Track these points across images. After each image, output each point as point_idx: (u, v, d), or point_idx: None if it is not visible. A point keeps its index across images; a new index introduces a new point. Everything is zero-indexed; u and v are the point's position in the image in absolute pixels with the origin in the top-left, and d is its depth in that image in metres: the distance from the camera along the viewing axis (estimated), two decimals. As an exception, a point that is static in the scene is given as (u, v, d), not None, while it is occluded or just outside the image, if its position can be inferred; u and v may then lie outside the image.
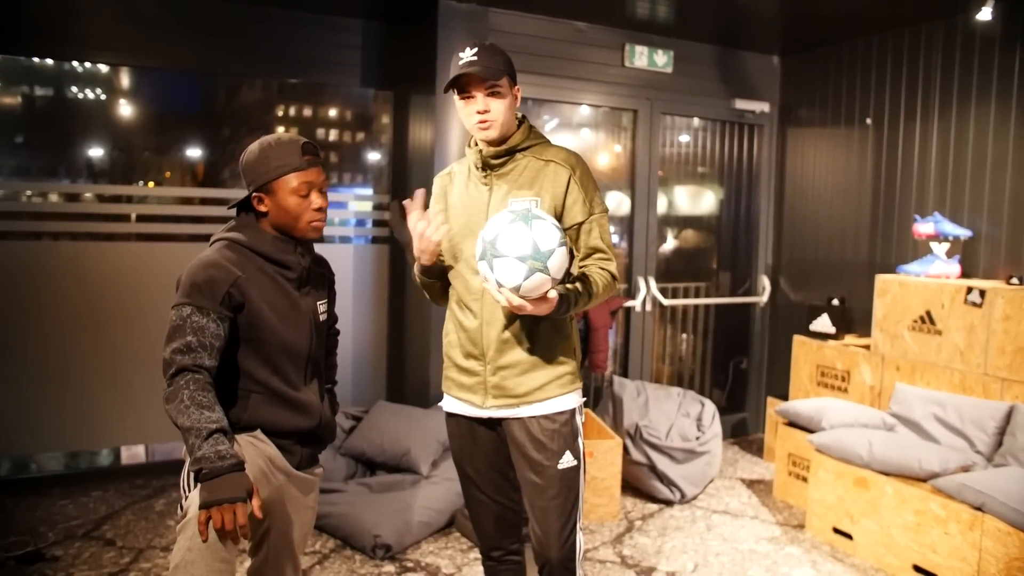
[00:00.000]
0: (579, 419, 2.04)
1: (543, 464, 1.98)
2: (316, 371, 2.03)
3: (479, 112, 1.93)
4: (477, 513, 2.15)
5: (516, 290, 1.77)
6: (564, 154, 2.01)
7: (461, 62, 1.92)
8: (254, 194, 1.90)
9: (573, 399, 2.02)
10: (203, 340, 1.75)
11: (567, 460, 1.99)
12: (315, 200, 1.91)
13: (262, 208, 1.91)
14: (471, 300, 2.01)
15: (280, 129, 4.60)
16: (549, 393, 1.98)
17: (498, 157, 1.98)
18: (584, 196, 1.97)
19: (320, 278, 2.07)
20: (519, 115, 2.05)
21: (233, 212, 1.99)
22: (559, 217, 1.95)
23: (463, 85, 1.93)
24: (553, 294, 1.82)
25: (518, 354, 1.97)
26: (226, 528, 1.64)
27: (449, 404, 2.12)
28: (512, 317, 1.95)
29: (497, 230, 1.78)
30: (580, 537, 2.06)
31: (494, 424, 2.05)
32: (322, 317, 2.04)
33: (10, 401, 3.72)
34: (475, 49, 1.92)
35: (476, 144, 2.03)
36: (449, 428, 2.14)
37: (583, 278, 1.95)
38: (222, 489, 1.64)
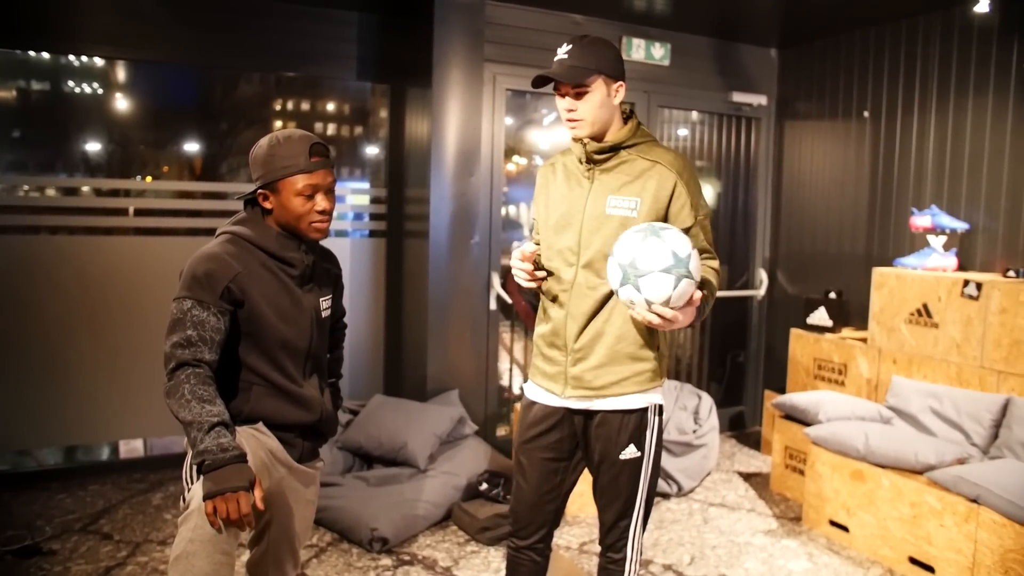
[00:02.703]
0: (653, 417, 2.02)
1: (605, 453, 2.00)
2: (317, 367, 2.03)
3: (567, 110, 1.94)
4: (517, 498, 2.16)
5: (667, 303, 1.76)
6: (671, 156, 1.96)
7: (555, 59, 1.93)
8: (260, 190, 1.90)
9: (650, 398, 2.00)
10: (203, 334, 1.76)
11: (630, 452, 1.99)
12: (320, 202, 1.90)
13: (267, 205, 1.91)
14: (560, 291, 2.02)
15: (278, 123, 4.59)
16: (626, 389, 1.97)
17: (601, 153, 1.97)
18: (691, 202, 1.94)
19: (326, 274, 2.07)
20: (626, 110, 2.02)
21: (240, 204, 2.00)
22: (663, 220, 1.93)
23: (555, 81, 1.94)
24: (698, 295, 1.83)
25: (598, 347, 1.97)
26: (231, 517, 1.65)
27: (531, 391, 2.12)
28: (596, 310, 1.96)
29: (632, 251, 1.75)
30: (638, 534, 2.05)
31: (570, 414, 2.05)
32: (325, 313, 2.03)
33: (8, 395, 3.73)
34: (570, 47, 1.91)
35: (579, 139, 2.01)
36: (523, 413, 2.14)
37: (705, 281, 1.92)
38: (225, 480, 1.66)
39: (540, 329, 2.10)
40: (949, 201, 3.93)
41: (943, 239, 3.77)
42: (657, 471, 2.07)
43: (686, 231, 1.91)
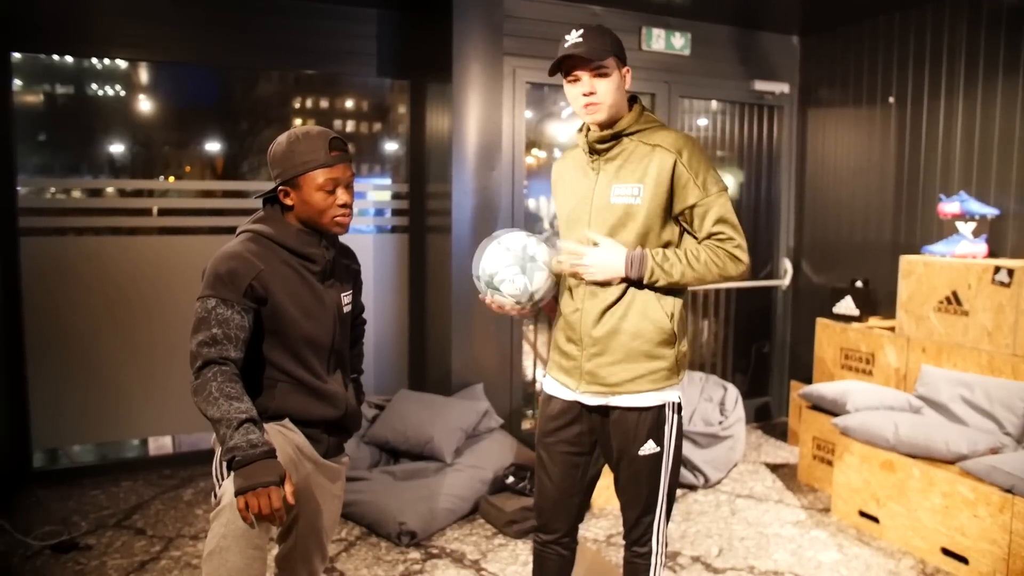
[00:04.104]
0: (671, 413, 1.99)
1: (623, 450, 1.99)
2: (340, 362, 2.04)
3: (585, 94, 1.90)
4: (540, 494, 2.16)
5: (531, 296, 1.98)
6: (672, 137, 1.92)
7: (567, 44, 1.89)
8: (280, 187, 1.90)
9: (665, 395, 1.97)
10: (228, 332, 1.77)
11: (649, 447, 1.97)
12: (341, 196, 1.91)
13: (288, 202, 1.91)
14: (575, 286, 2.01)
15: (298, 121, 4.61)
16: (641, 387, 1.94)
17: (603, 141, 1.95)
18: (694, 178, 1.88)
19: (345, 270, 2.08)
20: (632, 97, 2.00)
21: (259, 202, 2.00)
22: (669, 203, 1.91)
23: (568, 67, 1.91)
24: (618, 253, 1.90)
25: (613, 343, 1.95)
26: (263, 512, 1.66)
27: (548, 384, 2.12)
28: (611, 305, 1.94)
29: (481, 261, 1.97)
30: (661, 527, 2.04)
31: (586, 410, 2.04)
32: (346, 309, 2.04)
33: (41, 395, 3.79)
34: (580, 31, 1.89)
35: (585, 128, 2.00)
36: (542, 407, 2.14)
37: (682, 249, 1.92)
38: (255, 475, 1.67)
39: (560, 323, 2.09)
40: (978, 187, 3.87)
41: (972, 225, 3.71)
42: (678, 466, 2.06)
43: (691, 209, 1.89)
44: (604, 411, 2.01)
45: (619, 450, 2.00)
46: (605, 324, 1.95)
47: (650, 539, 2.04)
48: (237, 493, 1.67)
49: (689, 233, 1.96)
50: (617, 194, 1.92)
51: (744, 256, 1.92)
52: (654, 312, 1.93)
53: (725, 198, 1.92)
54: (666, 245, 1.94)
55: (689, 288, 2.00)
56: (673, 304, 1.95)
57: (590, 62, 1.87)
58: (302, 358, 1.91)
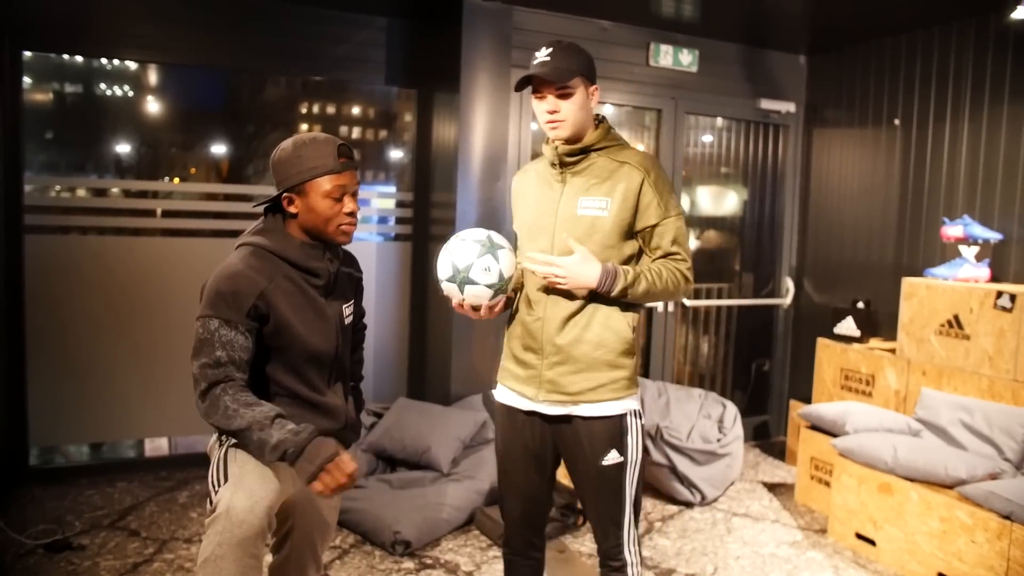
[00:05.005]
0: (631, 420, 2.02)
1: (586, 461, 2.01)
2: (341, 374, 2.03)
3: (549, 112, 1.95)
4: (505, 503, 2.17)
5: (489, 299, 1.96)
6: (639, 156, 2.00)
7: (535, 61, 1.94)
8: (284, 194, 1.86)
9: (626, 404, 2.00)
10: (232, 355, 1.73)
11: (612, 457, 1.99)
12: (347, 204, 1.87)
13: (292, 209, 1.86)
14: (537, 295, 2.03)
15: (304, 127, 4.62)
16: (602, 396, 1.98)
17: (572, 155, 1.99)
18: (659, 199, 1.96)
19: (348, 279, 2.05)
20: (598, 116, 2.05)
21: (260, 210, 1.97)
22: (633, 219, 1.96)
23: (536, 84, 1.95)
24: (593, 267, 1.89)
25: (575, 352, 1.97)
26: (340, 484, 1.67)
27: (502, 394, 2.13)
28: (574, 314, 1.97)
29: (468, 260, 1.93)
30: (633, 534, 2.05)
31: (544, 419, 2.05)
32: (348, 320, 2.02)
33: (39, 392, 3.79)
34: (550, 49, 1.93)
35: (553, 141, 2.03)
36: (497, 416, 2.16)
37: (645, 268, 1.96)
38: (315, 456, 1.67)
39: (513, 331, 2.10)
40: (982, 211, 3.87)
41: (975, 249, 3.71)
42: (642, 475, 2.08)
43: (652, 228, 1.96)
44: (565, 419, 2.02)
45: (583, 460, 2.02)
46: (568, 333, 1.98)
47: (622, 551, 2.05)
48: (308, 481, 1.67)
49: (643, 250, 2.03)
50: (584, 206, 1.97)
51: (692, 277, 2.01)
52: (617, 323, 1.98)
53: (682, 221, 2.01)
54: (628, 259, 2.00)
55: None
56: (633, 316, 2.01)
57: (554, 82, 1.91)
58: (302, 373, 1.89)
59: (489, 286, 1.93)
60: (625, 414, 2.00)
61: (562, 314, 1.98)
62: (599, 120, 2.04)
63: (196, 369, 1.74)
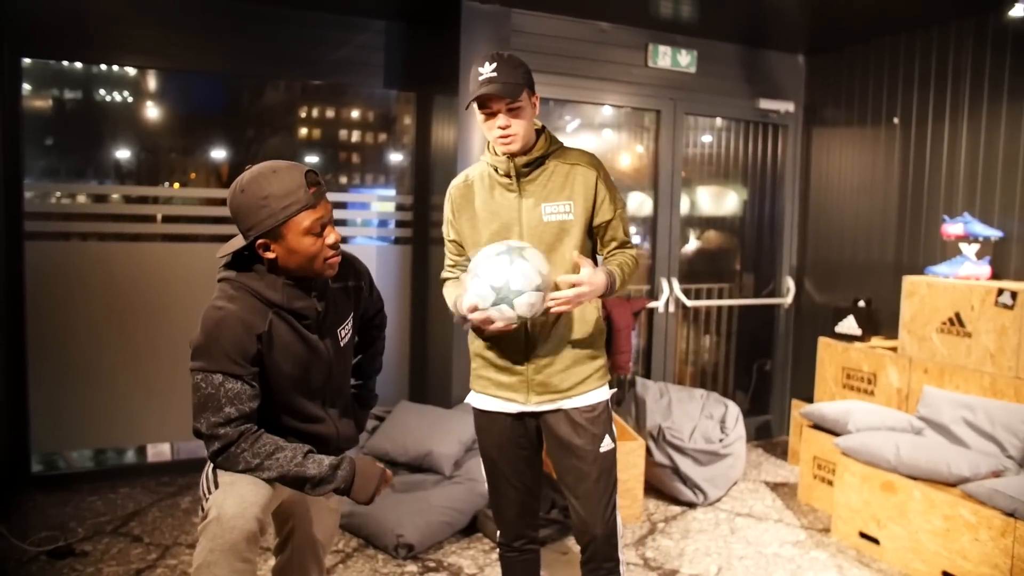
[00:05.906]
0: (610, 408, 2.15)
1: (586, 449, 2.07)
2: (335, 394, 1.98)
3: (501, 128, 1.95)
4: (502, 503, 2.20)
5: (533, 310, 1.89)
6: (587, 157, 2.08)
7: (481, 78, 1.91)
8: (260, 240, 1.71)
9: (607, 390, 2.14)
10: (241, 408, 1.69)
11: (607, 443, 2.09)
12: (329, 236, 1.74)
13: (270, 255, 1.72)
14: None
15: (303, 131, 4.63)
16: (590, 386, 2.08)
17: (529, 165, 2.02)
18: (610, 195, 2.06)
19: (342, 294, 1.95)
20: (538, 124, 2.08)
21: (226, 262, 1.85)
22: (591, 216, 2.05)
23: (483, 100, 1.94)
24: (599, 274, 1.94)
25: (560, 352, 2.05)
26: (383, 491, 1.82)
27: (484, 402, 2.14)
28: (556, 316, 2.02)
29: (504, 274, 1.84)
30: (618, 516, 2.16)
31: (529, 417, 2.12)
32: (344, 342, 1.95)
33: (40, 399, 3.79)
34: (494, 64, 1.91)
35: (504, 153, 2.02)
36: (480, 423, 2.18)
37: (619, 263, 2.07)
38: (365, 486, 1.77)
39: (486, 340, 2.10)
40: (982, 209, 3.87)
41: (976, 247, 3.71)
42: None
43: (608, 223, 2.07)
44: (552, 415, 2.09)
45: (579, 452, 2.07)
46: (553, 336, 2.05)
47: (615, 534, 2.12)
48: (364, 503, 1.79)
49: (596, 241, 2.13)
50: (548, 212, 2.01)
51: (639, 262, 2.19)
52: (589, 314, 2.08)
53: (625, 212, 2.15)
54: (592, 253, 2.12)
55: None
56: (598, 304, 2.10)
57: (505, 99, 1.91)
58: (290, 405, 1.86)
59: (536, 289, 1.85)
60: (607, 401, 2.12)
61: (541, 318, 2.00)
62: (540, 128, 2.06)
63: (205, 428, 1.67)
